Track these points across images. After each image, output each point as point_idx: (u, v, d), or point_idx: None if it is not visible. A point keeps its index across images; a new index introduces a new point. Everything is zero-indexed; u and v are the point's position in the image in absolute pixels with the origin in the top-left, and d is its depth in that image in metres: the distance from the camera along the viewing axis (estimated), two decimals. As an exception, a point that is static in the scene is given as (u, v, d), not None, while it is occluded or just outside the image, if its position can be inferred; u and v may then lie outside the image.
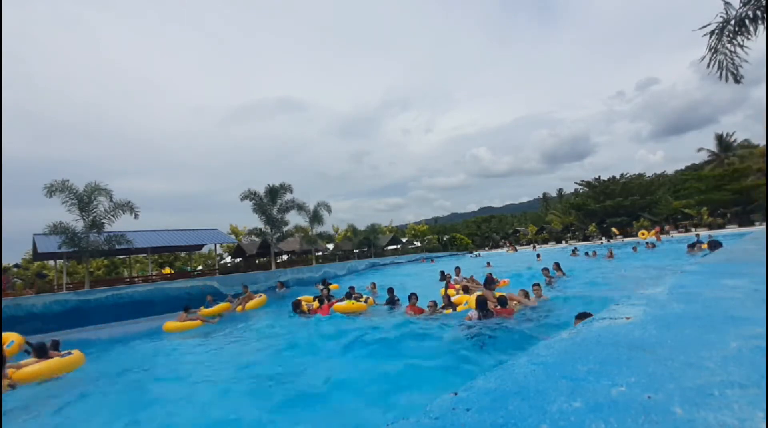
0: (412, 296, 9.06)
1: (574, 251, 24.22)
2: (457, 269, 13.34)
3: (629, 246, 23.68)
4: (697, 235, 19.47)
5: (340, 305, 9.70)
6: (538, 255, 24.17)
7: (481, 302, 6.57)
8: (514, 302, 7.40)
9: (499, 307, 6.84)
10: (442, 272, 15.41)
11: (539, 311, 7.23)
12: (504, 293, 7.58)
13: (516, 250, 42.07)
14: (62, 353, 6.90)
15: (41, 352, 6.63)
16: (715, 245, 11.62)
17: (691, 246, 15.24)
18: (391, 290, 10.71)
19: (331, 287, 15.33)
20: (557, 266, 11.21)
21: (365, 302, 10.28)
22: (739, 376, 0.47)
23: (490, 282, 8.15)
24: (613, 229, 42.03)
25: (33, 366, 6.25)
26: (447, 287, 11.18)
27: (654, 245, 21.43)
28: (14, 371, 6.05)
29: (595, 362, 0.58)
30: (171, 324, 10.33)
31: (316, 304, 10.77)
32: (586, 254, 20.25)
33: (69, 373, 6.40)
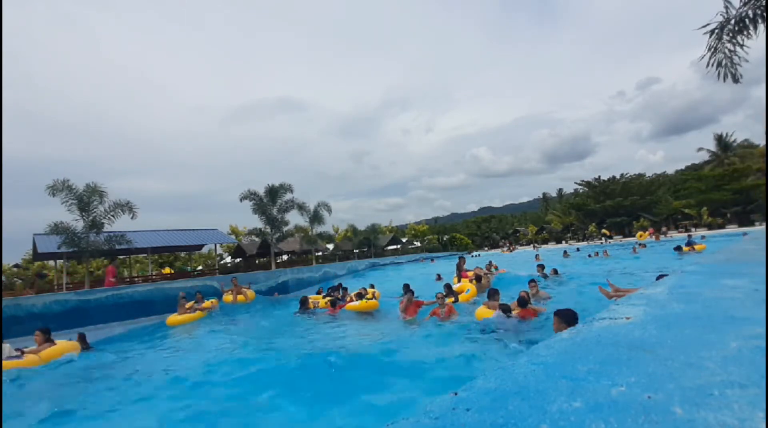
0: (407, 291, 9.20)
1: (566, 253, 24.17)
2: (462, 260, 13.09)
3: (628, 246, 23.86)
4: (689, 235, 19.42)
5: (352, 305, 9.65)
6: (537, 255, 24.06)
7: (504, 308, 6.43)
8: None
9: (520, 309, 6.60)
10: (439, 276, 15.47)
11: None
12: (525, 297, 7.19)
13: (511, 251, 41.02)
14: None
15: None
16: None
17: (678, 249, 15.33)
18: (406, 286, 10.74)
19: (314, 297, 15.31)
20: (555, 271, 11.97)
21: (373, 296, 10.31)
22: (739, 376, 0.47)
23: (494, 294, 7.90)
24: (604, 230, 41.92)
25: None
26: (459, 276, 11.20)
27: (644, 246, 21.92)
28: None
29: (595, 362, 0.58)
30: (174, 317, 10.56)
31: (322, 302, 10.78)
32: (589, 255, 20.23)
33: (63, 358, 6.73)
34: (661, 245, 24.16)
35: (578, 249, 28.04)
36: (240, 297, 12.32)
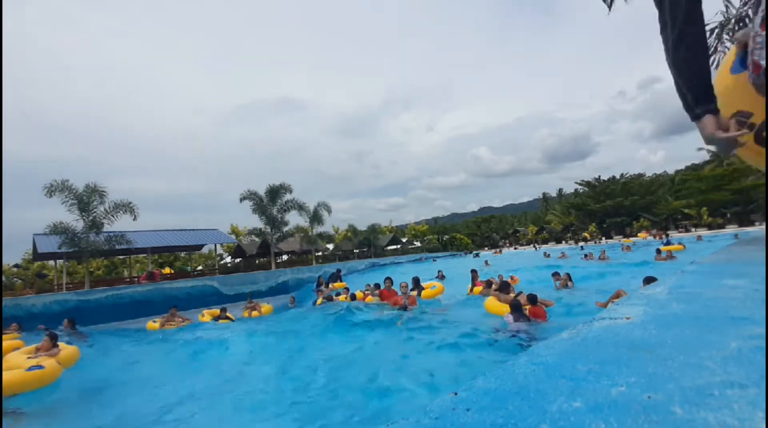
0: (387, 281, 10.23)
1: (546, 254, 24.12)
2: (475, 273, 12.42)
3: (617, 247, 24.12)
4: (668, 236, 19.29)
5: (429, 291, 10.32)
6: (563, 253, 22.74)
7: (515, 306, 6.29)
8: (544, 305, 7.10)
9: (530, 306, 6.51)
10: (440, 273, 15.63)
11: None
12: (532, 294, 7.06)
13: (501, 252, 39.35)
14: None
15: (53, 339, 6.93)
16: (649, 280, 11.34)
17: (658, 252, 15.31)
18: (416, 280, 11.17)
19: (337, 285, 15.32)
20: (568, 276, 11.23)
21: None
22: (739, 376, 0.47)
23: (505, 287, 8.02)
24: (585, 234, 41.83)
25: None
26: (474, 284, 11.32)
27: (629, 248, 22.00)
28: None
29: (595, 362, 0.58)
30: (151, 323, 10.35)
31: (359, 294, 11.25)
32: (586, 256, 20.11)
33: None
34: (648, 245, 24.15)
35: (582, 248, 28.13)
36: (254, 313, 11.86)
